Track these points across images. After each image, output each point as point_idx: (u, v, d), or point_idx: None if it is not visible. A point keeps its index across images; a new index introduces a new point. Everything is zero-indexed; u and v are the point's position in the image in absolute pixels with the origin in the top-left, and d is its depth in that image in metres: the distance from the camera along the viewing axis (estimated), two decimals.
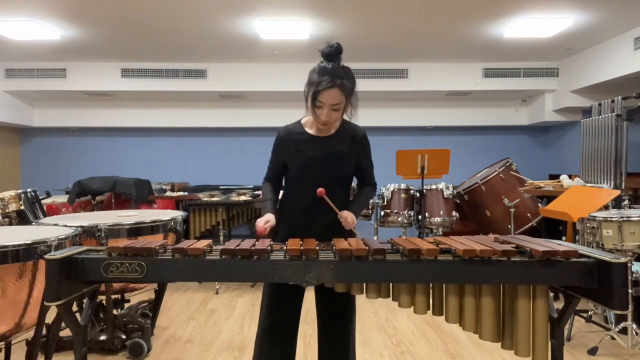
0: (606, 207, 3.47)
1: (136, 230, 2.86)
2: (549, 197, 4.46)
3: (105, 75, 6.11)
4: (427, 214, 4.97)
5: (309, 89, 1.96)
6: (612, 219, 3.00)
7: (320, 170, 2.05)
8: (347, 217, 2.02)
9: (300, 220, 2.08)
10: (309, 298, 2.16)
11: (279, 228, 2.11)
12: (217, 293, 4.56)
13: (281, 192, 2.21)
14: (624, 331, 3.08)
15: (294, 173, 2.10)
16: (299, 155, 2.06)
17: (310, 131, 2.09)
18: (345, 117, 2.08)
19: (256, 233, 1.98)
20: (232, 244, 1.70)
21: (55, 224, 2.66)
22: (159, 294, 3.31)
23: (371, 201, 5.13)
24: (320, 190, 1.96)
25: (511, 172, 5.01)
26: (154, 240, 1.74)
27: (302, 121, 2.14)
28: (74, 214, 4.14)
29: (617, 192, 3.31)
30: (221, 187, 6.09)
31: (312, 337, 3.34)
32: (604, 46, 5.27)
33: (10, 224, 3.80)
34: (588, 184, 4.20)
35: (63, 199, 5.32)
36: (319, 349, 2.16)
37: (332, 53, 1.92)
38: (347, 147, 2.08)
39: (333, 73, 1.90)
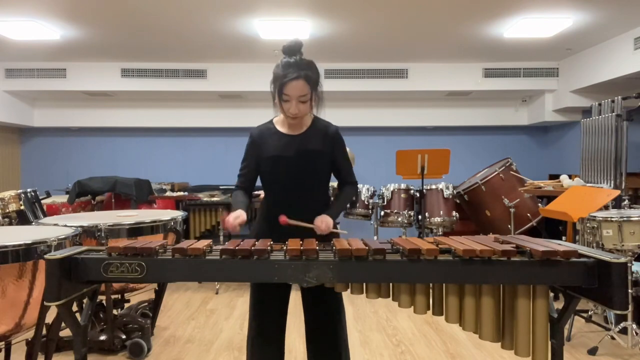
0: (606, 207, 3.47)
1: (136, 230, 2.86)
2: (549, 197, 4.46)
3: (105, 75, 6.11)
4: (427, 214, 4.97)
5: (274, 84, 1.97)
6: (612, 219, 3.00)
7: (293, 168, 2.03)
8: (319, 225, 1.97)
9: (275, 220, 2.01)
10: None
11: (256, 226, 2.08)
12: (217, 293, 4.56)
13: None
14: (624, 331, 3.08)
15: (268, 172, 2.08)
16: (272, 154, 2.04)
17: (283, 130, 2.08)
18: (315, 112, 2.08)
19: (224, 225, 1.97)
20: (232, 244, 1.70)
21: (55, 224, 2.66)
22: (159, 294, 3.31)
23: (371, 201, 5.14)
24: (281, 219, 1.94)
25: (511, 172, 5.01)
26: (154, 240, 1.74)
27: (274, 120, 2.14)
28: (74, 214, 4.14)
29: (617, 192, 3.31)
30: (221, 187, 6.09)
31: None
32: (604, 46, 5.27)
33: (10, 224, 3.80)
34: (588, 184, 4.20)
35: (63, 199, 5.32)
36: (307, 356, 2.13)
37: (293, 47, 1.98)
38: (320, 145, 2.06)
39: (296, 65, 1.93)
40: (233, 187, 2.19)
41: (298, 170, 2.03)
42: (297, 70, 1.91)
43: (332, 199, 2.19)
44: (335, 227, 2.07)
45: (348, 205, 5.01)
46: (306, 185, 2.05)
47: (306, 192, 2.06)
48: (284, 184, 2.04)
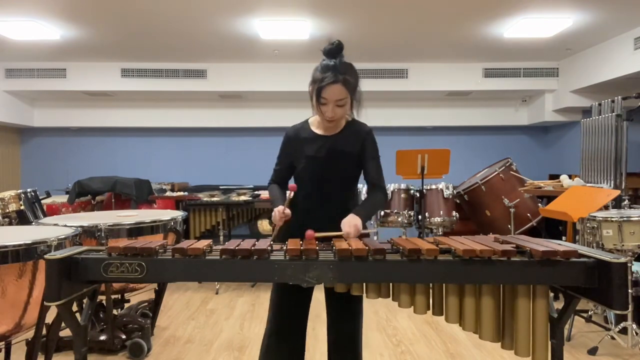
0: (606, 207, 3.47)
1: (136, 230, 2.86)
2: (549, 197, 4.46)
3: (105, 75, 6.12)
4: (427, 214, 4.97)
5: (312, 86, 1.97)
6: (612, 219, 3.00)
7: (325, 169, 2.05)
8: (349, 232, 1.88)
9: (303, 218, 2.04)
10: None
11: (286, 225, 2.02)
12: (217, 293, 4.56)
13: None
14: (624, 331, 3.08)
15: (299, 172, 2.10)
16: (306, 155, 2.06)
17: (317, 130, 2.10)
18: (354, 115, 2.09)
19: (275, 219, 1.93)
20: (232, 244, 1.70)
21: (55, 224, 2.66)
22: (159, 294, 3.31)
23: None
24: (308, 234, 1.82)
25: (511, 172, 5.01)
26: (154, 240, 1.74)
27: (310, 120, 2.15)
28: (74, 214, 4.14)
29: (617, 192, 3.31)
30: (221, 187, 6.09)
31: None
32: (604, 46, 5.27)
33: (10, 224, 3.80)
34: (588, 184, 4.20)
35: (63, 199, 5.32)
36: (329, 346, 2.15)
37: (334, 50, 1.96)
38: (350, 146, 2.09)
39: (335, 69, 1.92)
40: (235, 186, 2.19)
41: (328, 170, 2.06)
42: (336, 74, 1.91)
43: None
44: (365, 227, 2.04)
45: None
46: (336, 185, 2.08)
47: (335, 191, 2.09)
48: (315, 183, 2.06)
